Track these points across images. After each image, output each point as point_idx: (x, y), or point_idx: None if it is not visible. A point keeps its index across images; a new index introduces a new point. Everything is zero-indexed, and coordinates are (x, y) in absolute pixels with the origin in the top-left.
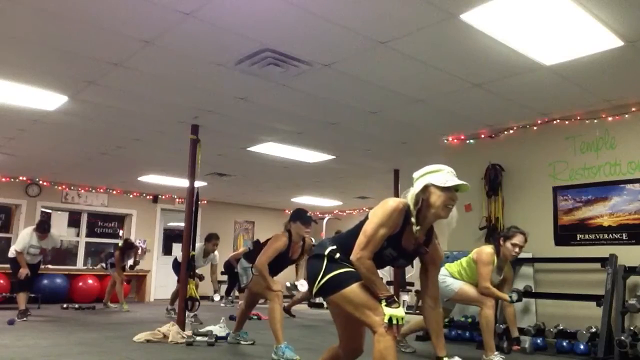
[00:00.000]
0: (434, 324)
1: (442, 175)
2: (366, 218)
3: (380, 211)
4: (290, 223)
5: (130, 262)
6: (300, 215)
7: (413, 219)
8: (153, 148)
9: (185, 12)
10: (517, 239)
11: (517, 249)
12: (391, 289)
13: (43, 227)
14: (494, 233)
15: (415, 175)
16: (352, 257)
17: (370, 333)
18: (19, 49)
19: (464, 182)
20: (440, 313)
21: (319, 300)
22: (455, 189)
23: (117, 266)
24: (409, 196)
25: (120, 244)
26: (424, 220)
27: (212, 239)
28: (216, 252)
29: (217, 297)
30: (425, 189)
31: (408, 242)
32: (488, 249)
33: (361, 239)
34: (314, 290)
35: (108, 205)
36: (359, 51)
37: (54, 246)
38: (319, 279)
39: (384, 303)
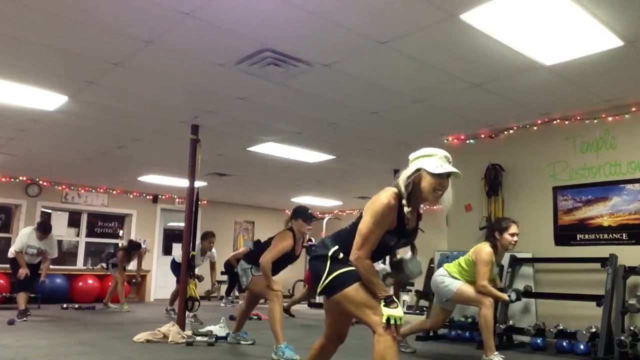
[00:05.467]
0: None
1: (434, 160)
2: (362, 215)
3: (373, 209)
4: (292, 220)
5: (134, 263)
6: (302, 212)
7: (404, 201)
8: (153, 148)
9: (185, 12)
10: (514, 229)
11: (515, 238)
12: (391, 289)
13: (44, 228)
14: (488, 230)
15: (411, 157)
16: (351, 258)
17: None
18: (19, 49)
19: (456, 170)
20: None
21: (318, 300)
22: (447, 175)
23: (119, 266)
24: (401, 177)
25: (121, 244)
26: (415, 203)
27: (207, 237)
28: (214, 250)
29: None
30: (416, 172)
31: (409, 224)
32: (487, 248)
33: (357, 240)
34: (318, 290)
35: (108, 205)
36: (359, 51)
37: (49, 250)
38: (322, 278)
39: (382, 303)
